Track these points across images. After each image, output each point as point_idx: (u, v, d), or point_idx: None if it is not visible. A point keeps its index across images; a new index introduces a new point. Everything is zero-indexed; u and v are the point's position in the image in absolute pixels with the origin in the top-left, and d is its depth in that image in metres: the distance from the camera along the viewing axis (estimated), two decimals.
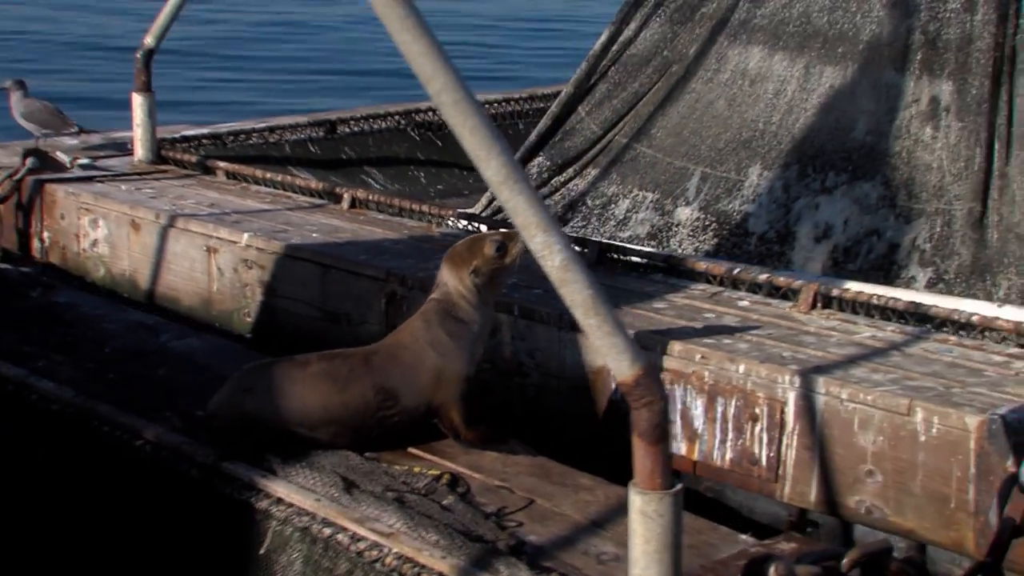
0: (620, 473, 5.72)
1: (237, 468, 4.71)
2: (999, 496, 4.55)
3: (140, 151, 8.81)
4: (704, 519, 4.55)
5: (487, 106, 10.60)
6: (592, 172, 8.29)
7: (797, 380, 5.09)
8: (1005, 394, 4.87)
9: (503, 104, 10.80)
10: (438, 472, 4.69)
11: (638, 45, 8.30)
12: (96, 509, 5.04)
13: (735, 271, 6.23)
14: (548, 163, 8.40)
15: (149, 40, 8.55)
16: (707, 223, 7.74)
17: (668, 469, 3.39)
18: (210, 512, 4.64)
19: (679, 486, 3.40)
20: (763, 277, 6.11)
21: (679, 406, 5.43)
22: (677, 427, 5.45)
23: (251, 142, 9.43)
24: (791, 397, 5.12)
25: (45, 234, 8.32)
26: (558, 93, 8.61)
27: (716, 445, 5.37)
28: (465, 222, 7.31)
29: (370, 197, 7.80)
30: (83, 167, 8.60)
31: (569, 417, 5.82)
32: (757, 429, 5.24)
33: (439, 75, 3.16)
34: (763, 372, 5.18)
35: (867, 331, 5.60)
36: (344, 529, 4.30)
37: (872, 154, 7.28)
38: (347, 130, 9.79)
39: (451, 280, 5.06)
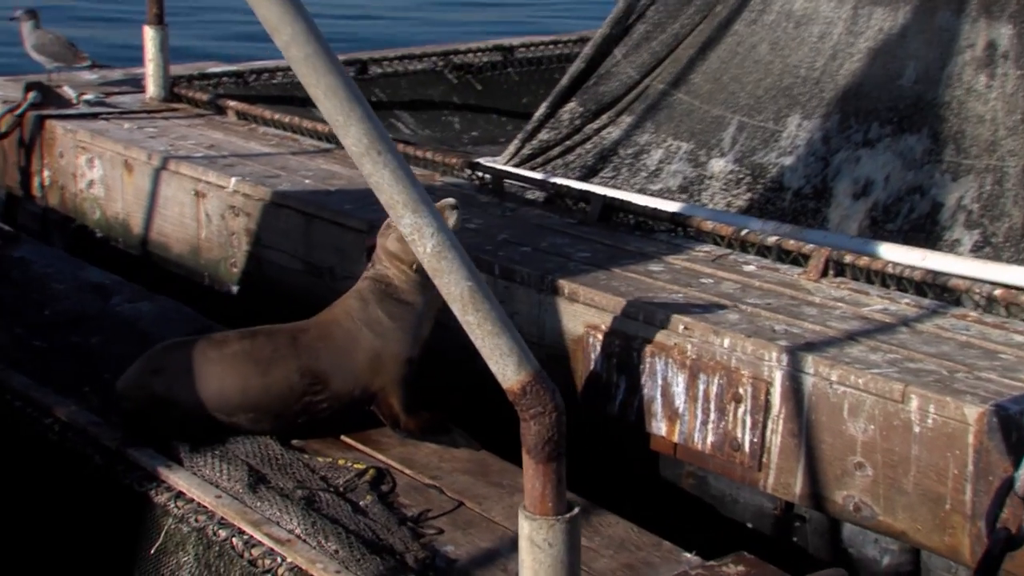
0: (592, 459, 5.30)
1: (141, 455, 4.32)
2: (993, 501, 4.00)
3: (151, 88, 8.49)
4: (649, 533, 4.04)
5: (532, 48, 10.11)
6: (626, 119, 7.76)
7: (785, 358, 4.59)
8: (1018, 381, 4.30)
9: (551, 47, 10.25)
10: (363, 467, 4.25)
11: None
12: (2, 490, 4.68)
13: (742, 232, 5.70)
14: (581, 109, 7.89)
15: None
16: (741, 176, 7.19)
17: (561, 491, 2.92)
18: (109, 502, 4.24)
19: (575, 511, 2.92)
20: (772, 240, 5.59)
21: (659, 381, 4.96)
22: (657, 405, 4.98)
23: (274, 81, 9.02)
24: (777, 377, 4.62)
25: (45, 173, 8.03)
26: None
27: (697, 426, 4.89)
28: (470, 171, 6.83)
29: None
30: (89, 103, 8.28)
31: None
32: (740, 411, 4.74)
33: (287, 24, 2.69)
34: (749, 347, 4.68)
35: (878, 303, 5.06)
36: (240, 532, 3.89)
37: (920, 104, 6.66)
38: (379, 71, 9.33)
39: (390, 267, 4.56)
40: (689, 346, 4.84)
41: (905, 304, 5.05)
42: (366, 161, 2.79)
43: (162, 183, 7.13)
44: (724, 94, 7.47)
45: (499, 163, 7.60)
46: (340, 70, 2.75)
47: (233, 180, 6.69)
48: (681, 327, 4.89)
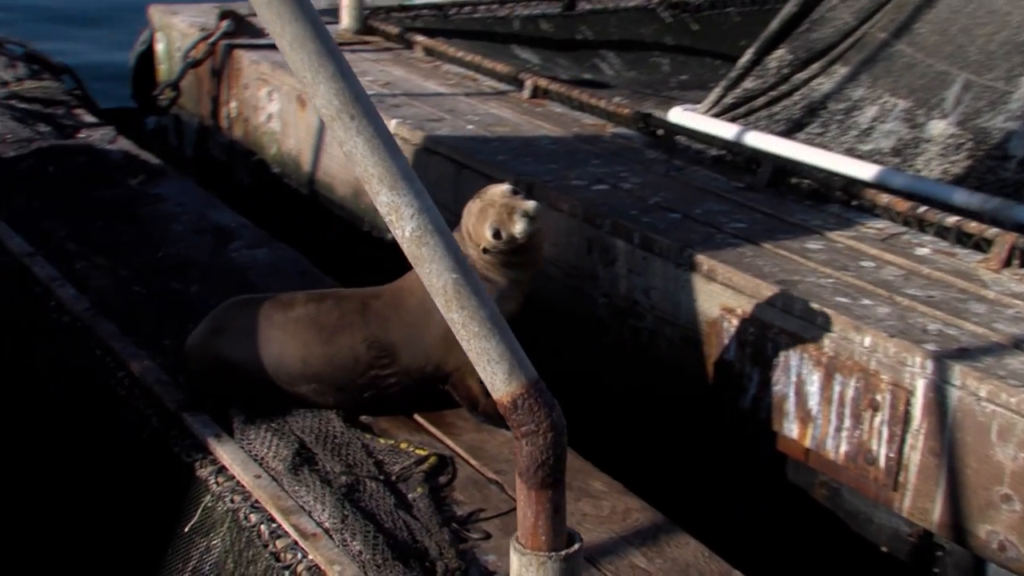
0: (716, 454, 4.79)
1: (195, 422, 4.01)
2: None
3: (345, 19, 8.25)
4: (720, 560, 3.50)
5: None
6: (840, 70, 7.04)
7: (929, 364, 3.98)
8: None
9: None
10: (425, 453, 3.84)
11: None
12: (75, 442, 4.49)
13: (920, 210, 5.03)
14: (791, 56, 7.21)
15: None
16: (961, 141, 6.42)
17: (558, 523, 2.48)
18: (158, 470, 3.95)
19: (574, 547, 2.48)
20: (951, 220, 4.90)
21: (793, 378, 4.41)
22: (790, 404, 4.44)
23: (476, 15, 8.62)
24: (920, 386, 4.01)
25: (232, 104, 7.90)
26: None
27: (831, 433, 4.33)
28: (644, 126, 6.31)
29: (550, 87, 6.88)
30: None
31: (679, 372, 4.86)
32: (877, 421, 4.16)
33: None
34: (891, 349, 4.08)
35: None
36: (271, 519, 3.56)
37: None
38: (587, 6, 8.81)
39: (467, 241, 4.08)
40: (827, 342, 4.27)
41: None
42: (337, 126, 2.40)
43: None
44: (951, 47, 6.70)
45: (699, 111, 7.05)
46: (311, 18, 2.34)
47: (393, 122, 6.37)
48: (819, 319, 4.31)
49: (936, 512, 4.03)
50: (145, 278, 4.96)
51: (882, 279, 4.57)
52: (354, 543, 3.37)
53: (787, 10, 7.26)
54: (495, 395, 2.52)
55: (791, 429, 4.44)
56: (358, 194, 6.70)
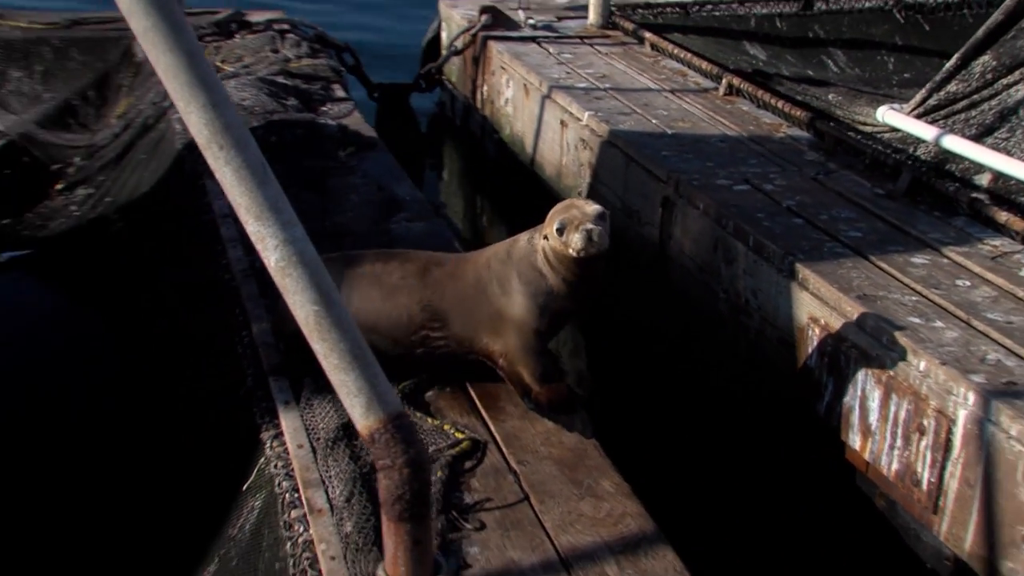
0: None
1: (275, 385, 3.87)
2: None
3: (592, 15, 8.01)
4: None
5: None
6: None
7: (972, 396, 3.48)
8: None
9: None
10: (462, 437, 3.58)
11: None
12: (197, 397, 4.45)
13: None
14: (995, 63, 6.43)
15: None
16: None
17: (419, 555, 2.27)
18: (241, 430, 3.87)
19: None
20: None
21: (859, 392, 3.95)
22: (856, 416, 3.98)
23: (716, 14, 8.14)
24: (961, 416, 3.51)
25: (484, 88, 7.80)
26: None
27: (885, 450, 3.86)
28: (808, 134, 5.80)
29: (742, 85, 6.42)
30: (533, 27, 7.94)
31: (775, 372, 4.46)
32: (923, 444, 3.67)
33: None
34: (941, 376, 3.59)
35: None
36: (294, 490, 3.38)
37: None
38: (824, 7, 8.16)
39: (546, 240, 3.67)
40: (888, 361, 3.79)
41: None
42: (208, 155, 2.23)
43: (545, 109, 6.67)
44: None
45: (903, 111, 6.45)
46: (187, 49, 2.17)
47: (587, 115, 6.11)
48: (886, 338, 3.83)
49: (968, 541, 3.53)
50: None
51: (968, 300, 4.02)
52: (345, 524, 3.18)
53: (994, 18, 6.48)
54: (357, 427, 2.30)
55: (855, 441, 3.98)
56: (559, 176, 6.49)
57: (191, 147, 5.73)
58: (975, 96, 6.40)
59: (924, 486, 3.67)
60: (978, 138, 6.06)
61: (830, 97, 7.37)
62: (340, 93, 6.73)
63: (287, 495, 3.38)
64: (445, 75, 8.70)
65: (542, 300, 3.67)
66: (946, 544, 3.63)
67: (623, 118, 6.05)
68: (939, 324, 3.86)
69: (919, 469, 3.68)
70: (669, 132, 5.86)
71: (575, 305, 3.73)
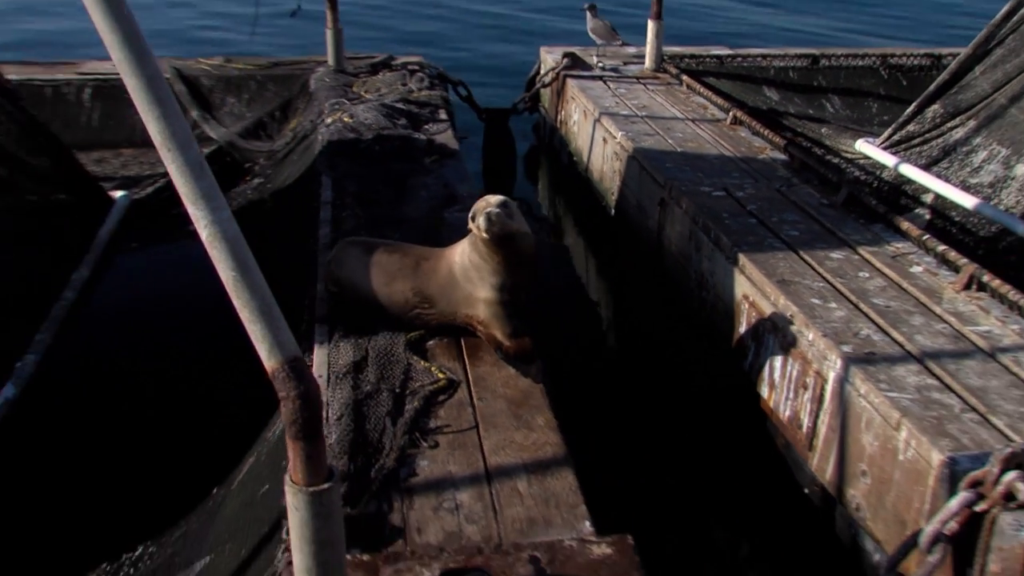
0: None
1: (317, 330, 3.80)
2: (898, 550, 2.65)
3: (648, 61, 7.82)
4: (579, 494, 2.88)
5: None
6: (971, 124, 6.01)
7: (839, 362, 3.34)
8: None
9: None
10: (443, 376, 3.50)
11: None
12: None
13: (923, 237, 4.16)
14: (942, 111, 6.21)
15: None
16: None
17: (313, 466, 2.22)
18: None
19: (327, 484, 2.21)
20: (940, 248, 4.02)
21: (769, 355, 3.82)
22: (766, 373, 3.86)
23: (744, 64, 7.87)
24: (831, 376, 3.40)
25: (562, 112, 7.72)
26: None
27: (782, 400, 3.75)
28: (784, 155, 5.59)
29: (742, 117, 6.23)
30: (603, 68, 7.82)
31: (722, 338, 4.33)
32: (806, 397, 3.54)
33: (109, 32, 2.17)
34: (821, 345, 3.46)
35: (989, 326, 3.49)
36: None
37: None
38: (827, 63, 7.81)
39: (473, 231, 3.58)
40: (789, 331, 3.65)
41: (1013, 330, 3.42)
42: (162, 153, 2.22)
43: (595, 129, 6.57)
44: None
45: (875, 144, 6.27)
46: (147, 73, 2.13)
47: (620, 134, 6.01)
48: (789, 313, 3.68)
49: (828, 473, 3.41)
50: (374, 225, 4.72)
51: (863, 288, 3.84)
52: (331, 437, 3.14)
53: (941, 78, 6.25)
54: (266, 365, 2.25)
55: (765, 393, 3.87)
56: (601, 180, 6.39)
57: (323, 151, 5.82)
58: (927, 135, 6.15)
59: (804, 430, 3.53)
60: (927, 167, 5.83)
61: (823, 131, 7.12)
62: (443, 116, 6.70)
63: None
64: (541, 102, 8.62)
65: (494, 280, 3.56)
66: (817, 475, 3.50)
67: (647, 138, 5.92)
68: (833, 305, 3.70)
69: (802, 416, 3.55)
70: (678, 150, 5.72)
71: (522, 279, 3.61)
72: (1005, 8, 5.83)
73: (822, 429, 3.42)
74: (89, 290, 5.16)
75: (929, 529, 2.60)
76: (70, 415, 4.11)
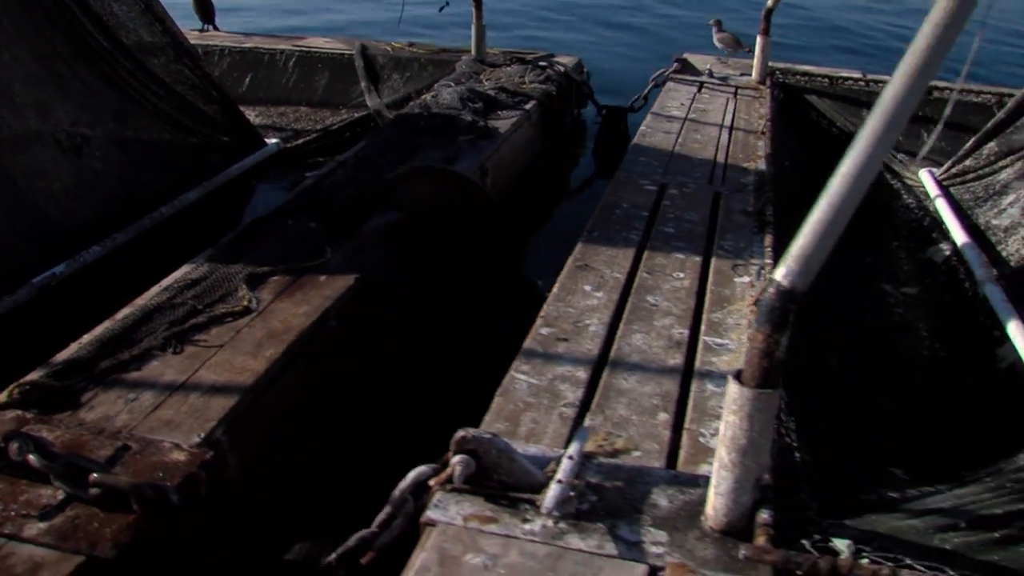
0: None
1: None
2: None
3: (754, 73, 7.98)
4: None
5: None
6: (1017, 164, 5.83)
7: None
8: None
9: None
10: None
11: None
12: None
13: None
14: (997, 148, 6.10)
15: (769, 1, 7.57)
16: None
17: None
18: None
19: None
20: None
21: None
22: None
23: (847, 85, 7.79)
24: None
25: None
26: None
27: None
28: (771, 168, 5.76)
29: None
30: (710, 74, 8.09)
31: None
32: None
33: None
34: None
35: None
36: None
37: None
38: (937, 95, 7.49)
39: None
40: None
41: None
42: None
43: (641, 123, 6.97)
44: None
45: (936, 174, 6.38)
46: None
47: (641, 127, 6.44)
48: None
49: None
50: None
51: (673, 288, 4.12)
52: None
53: (998, 117, 6.10)
54: None
55: None
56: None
57: (388, 123, 6.51)
58: (981, 171, 6.11)
59: None
60: (976, 202, 5.88)
61: (900, 156, 7.01)
62: (527, 106, 7.00)
63: None
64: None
65: None
66: None
67: (657, 135, 6.29)
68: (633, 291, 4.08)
69: None
70: (696, 148, 6.05)
71: None
72: None
73: None
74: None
75: None
76: None
